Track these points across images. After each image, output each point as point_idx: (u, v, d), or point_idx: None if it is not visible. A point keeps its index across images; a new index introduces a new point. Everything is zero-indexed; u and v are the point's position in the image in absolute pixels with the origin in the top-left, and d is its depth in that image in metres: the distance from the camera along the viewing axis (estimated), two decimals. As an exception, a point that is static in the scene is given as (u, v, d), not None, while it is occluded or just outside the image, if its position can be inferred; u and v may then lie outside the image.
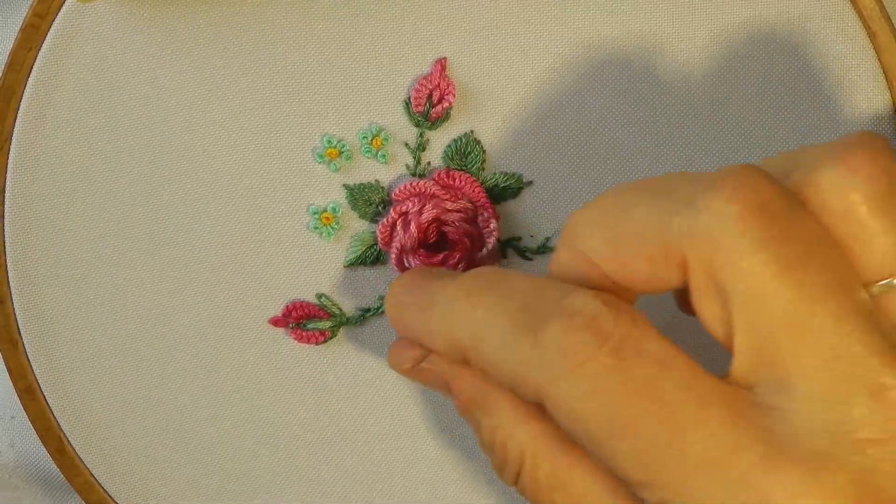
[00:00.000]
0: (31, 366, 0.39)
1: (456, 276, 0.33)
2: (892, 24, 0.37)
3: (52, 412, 0.40)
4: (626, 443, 0.28)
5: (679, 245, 0.28)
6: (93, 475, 0.40)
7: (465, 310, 0.31)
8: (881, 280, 0.28)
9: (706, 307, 0.29)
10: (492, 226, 0.39)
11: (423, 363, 0.34)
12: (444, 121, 0.38)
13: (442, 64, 0.38)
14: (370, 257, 0.39)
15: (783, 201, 0.28)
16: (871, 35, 0.37)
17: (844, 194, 0.28)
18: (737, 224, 0.27)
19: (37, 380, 0.40)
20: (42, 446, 0.40)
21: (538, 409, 0.30)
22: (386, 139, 0.38)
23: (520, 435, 0.31)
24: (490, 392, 0.32)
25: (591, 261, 0.31)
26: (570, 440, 0.30)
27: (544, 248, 0.39)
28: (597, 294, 0.29)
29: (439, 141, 0.39)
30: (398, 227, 0.39)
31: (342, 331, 0.40)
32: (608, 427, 0.28)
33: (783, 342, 0.27)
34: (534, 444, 0.31)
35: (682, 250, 0.28)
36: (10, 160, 0.38)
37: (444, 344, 0.32)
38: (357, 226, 0.39)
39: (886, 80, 0.37)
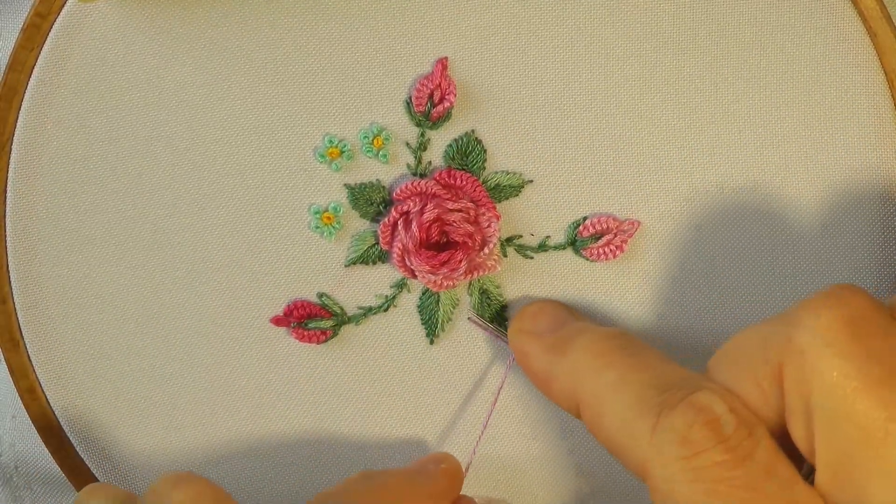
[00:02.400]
0: (32, 365, 0.39)
1: (587, 329, 0.34)
2: (893, 24, 0.37)
3: (53, 412, 0.40)
4: None
5: (778, 361, 0.29)
6: (93, 475, 0.40)
7: (595, 369, 0.33)
8: None
9: (794, 425, 0.30)
10: (493, 225, 0.39)
11: None
12: (445, 120, 0.38)
13: (443, 63, 0.38)
14: (371, 257, 0.39)
15: (878, 318, 0.29)
16: (872, 35, 0.37)
17: None
18: (824, 337, 0.28)
19: (38, 379, 0.40)
20: (43, 446, 0.40)
21: None
22: (387, 139, 0.38)
23: None
24: None
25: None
26: None
27: (545, 247, 0.39)
28: (724, 397, 0.30)
29: (440, 140, 0.39)
30: (399, 227, 0.39)
31: (343, 330, 0.40)
32: None
33: (860, 461, 0.28)
34: None
35: (781, 367, 0.29)
36: (12, 160, 0.38)
37: (562, 393, 0.34)
38: (358, 225, 0.39)
39: (887, 80, 0.37)
